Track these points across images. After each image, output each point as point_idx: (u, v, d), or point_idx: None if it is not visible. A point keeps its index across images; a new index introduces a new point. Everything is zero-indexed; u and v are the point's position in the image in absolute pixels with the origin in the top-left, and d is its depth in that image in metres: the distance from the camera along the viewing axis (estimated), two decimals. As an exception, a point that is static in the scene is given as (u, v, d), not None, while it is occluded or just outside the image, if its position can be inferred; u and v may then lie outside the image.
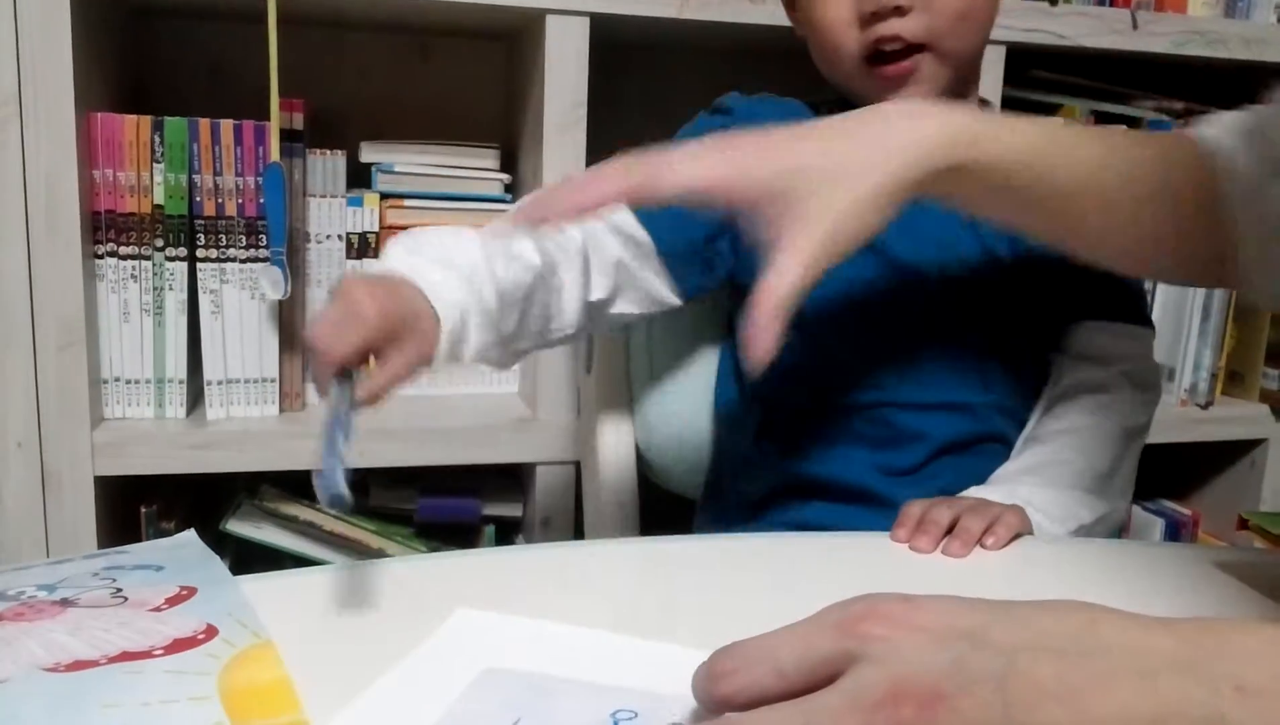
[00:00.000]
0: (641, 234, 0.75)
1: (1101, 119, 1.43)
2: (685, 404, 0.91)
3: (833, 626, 0.36)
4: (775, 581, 0.57)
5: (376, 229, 1.20)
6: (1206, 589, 0.57)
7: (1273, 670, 0.33)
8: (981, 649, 0.34)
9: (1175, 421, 1.44)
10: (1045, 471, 0.76)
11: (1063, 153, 0.61)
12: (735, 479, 0.86)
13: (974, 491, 0.73)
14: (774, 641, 0.37)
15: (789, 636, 0.37)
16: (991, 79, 1.28)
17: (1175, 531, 1.55)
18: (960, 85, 0.80)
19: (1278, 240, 0.61)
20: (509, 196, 1.28)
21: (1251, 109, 0.65)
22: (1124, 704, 0.33)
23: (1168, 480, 1.61)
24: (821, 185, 0.54)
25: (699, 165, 0.55)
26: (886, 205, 0.56)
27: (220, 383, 1.15)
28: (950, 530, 0.63)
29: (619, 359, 0.94)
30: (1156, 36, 1.34)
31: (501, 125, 1.37)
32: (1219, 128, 0.65)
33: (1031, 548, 0.63)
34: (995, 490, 0.73)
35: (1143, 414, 0.83)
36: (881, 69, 0.76)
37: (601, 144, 1.20)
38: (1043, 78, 1.41)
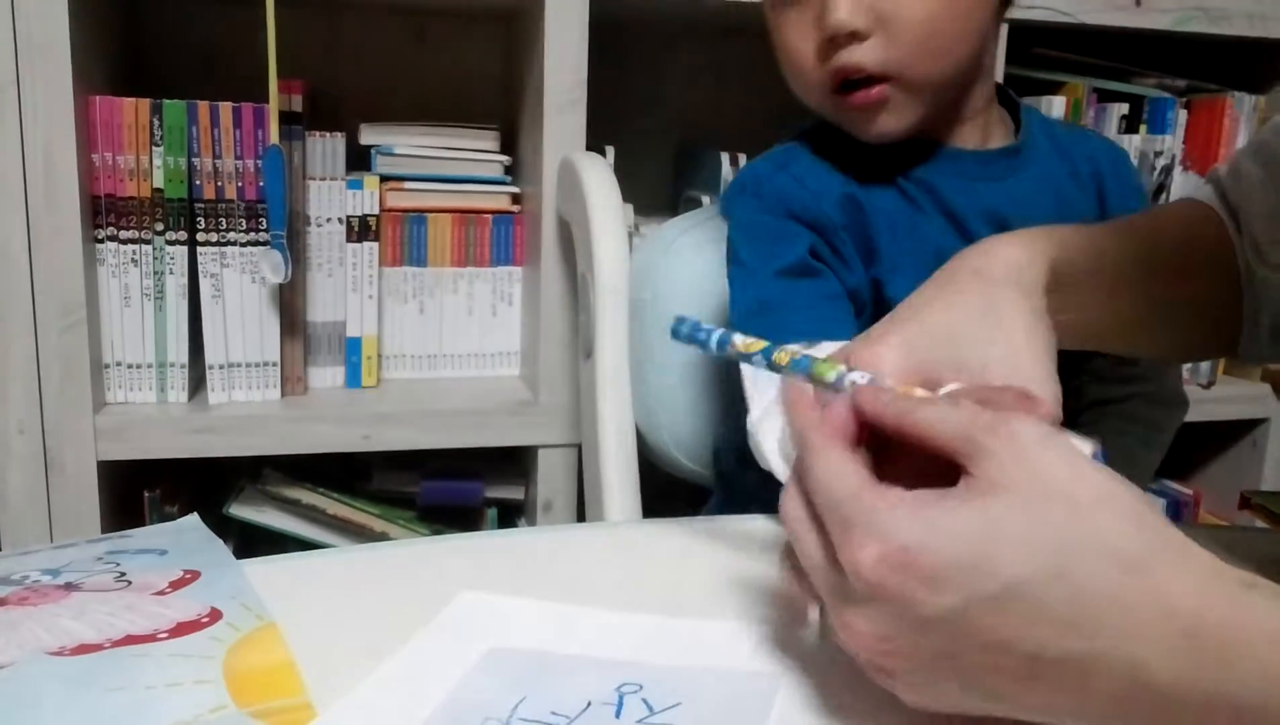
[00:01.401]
0: None
1: (1104, 96, 1.42)
2: (687, 386, 0.91)
3: (858, 544, 0.36)
4: (776, 560, 0.57)
5: (377, 211, 1.20)
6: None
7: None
8: (957, 632, 0.35)
9: (1177, 401, 1.44)
10: None
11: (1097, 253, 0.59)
12: (742, 465, 0.86)
13: None
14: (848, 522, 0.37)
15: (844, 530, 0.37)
16: (993, 56, 1.27)
17: (1177, 511, 1.56)
18: (948, 105, 0.76)
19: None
20: (509, 178, 1.27)
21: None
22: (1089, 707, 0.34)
23: (1169, 460, 1.60)
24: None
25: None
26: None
27: (222, 367, 1.15)
28: None
29: (619, 341, 0.94)
30: (1159, 13, 1.33)
31: (501, 106, 1.36)
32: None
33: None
34: None
35: (1166, 423, 0.85)
36: (849, 99, 0.72)
37: (601, 124, 1.20)
38: (1045, 55, 1.40)
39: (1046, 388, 0.45)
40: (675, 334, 0.49)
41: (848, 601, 0.37)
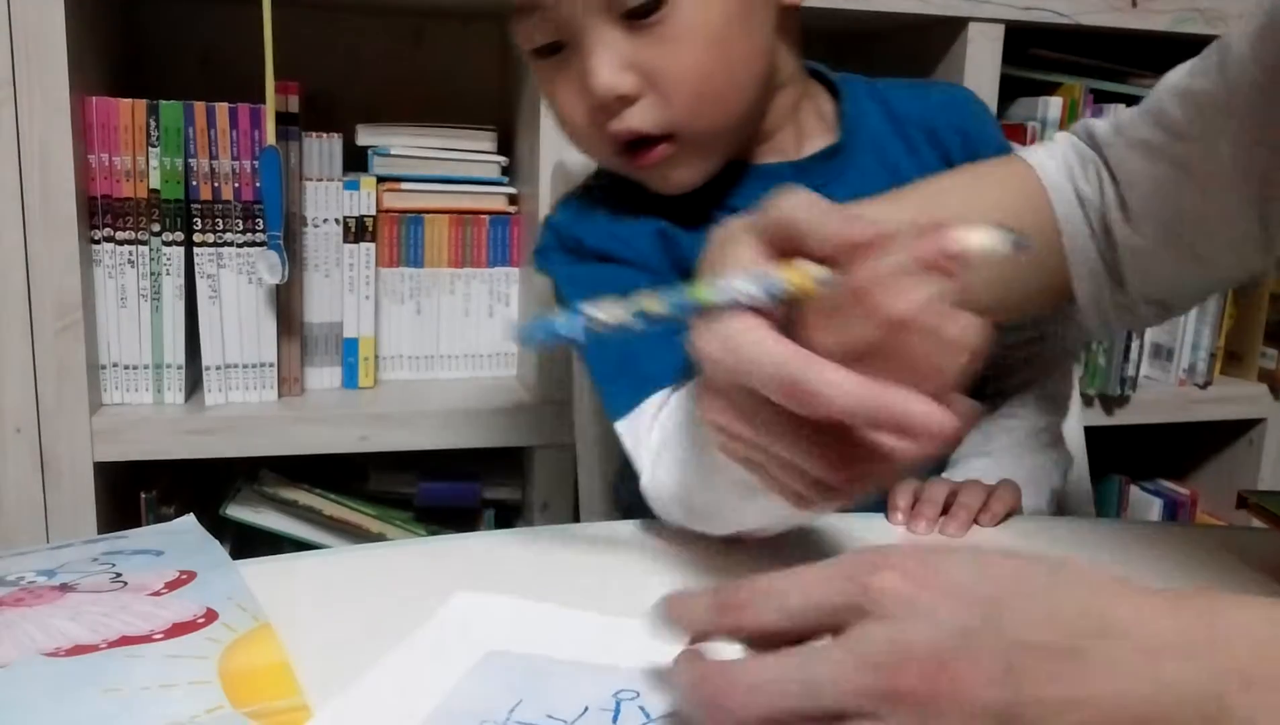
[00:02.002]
0: None
1: (1101, 97, 1.42)
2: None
3: (845, 578, 0.36)
4: (773, 562, 0.57)
5: (373, 212, 1.20)
6: (1205, 569, 0.57)
7: (1278, 654, 0.33)
8: (990, 622, 0.34)
9: (1174, 401, 1.44)
10: (999, 439, 0.75)
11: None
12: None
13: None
14: (785, 584, 0.37)
15: (800, 580, 0.36)
16: (991, 57, 1.28)
17: (1173, 511, 1.56)
18: (744, 140, 0.69)
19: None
20: (505, 179, 1.27)
21: (1072, 139, 0.65)
22: (1126, 687, 0.33)
23: (1166, 460, 1.61)
24: None
25: None
26: None
27: (218, 368, 1.15)
28: (945, 509, 0.63)
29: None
30: (1156, 14, 1.33)
31: (497, 107, 1.36)
32: (1051, 158, 0.65)
33: (1029, 527, 0.63)
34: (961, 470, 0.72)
35: (1064, 385, 0.81)
36: (635, 159, 0.65)
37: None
38: (1042, 56, 1.40)
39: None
40: (526, 341, 0.45)
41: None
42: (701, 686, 0.35)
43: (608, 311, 0.43)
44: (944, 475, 0.72)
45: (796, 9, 0.67)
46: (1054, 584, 0.36)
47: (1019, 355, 0.79)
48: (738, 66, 0.63)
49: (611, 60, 0.60)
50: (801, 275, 0.41)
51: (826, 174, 0.70)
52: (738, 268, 0.42)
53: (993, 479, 0.66)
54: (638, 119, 0.62)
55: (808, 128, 0.72)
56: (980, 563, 0.36)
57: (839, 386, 0.39)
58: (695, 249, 0.65)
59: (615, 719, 0.38)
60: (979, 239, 0.39)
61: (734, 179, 0.69)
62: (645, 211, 0.69)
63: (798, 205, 0.43)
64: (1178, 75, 0.60)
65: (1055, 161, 0.64)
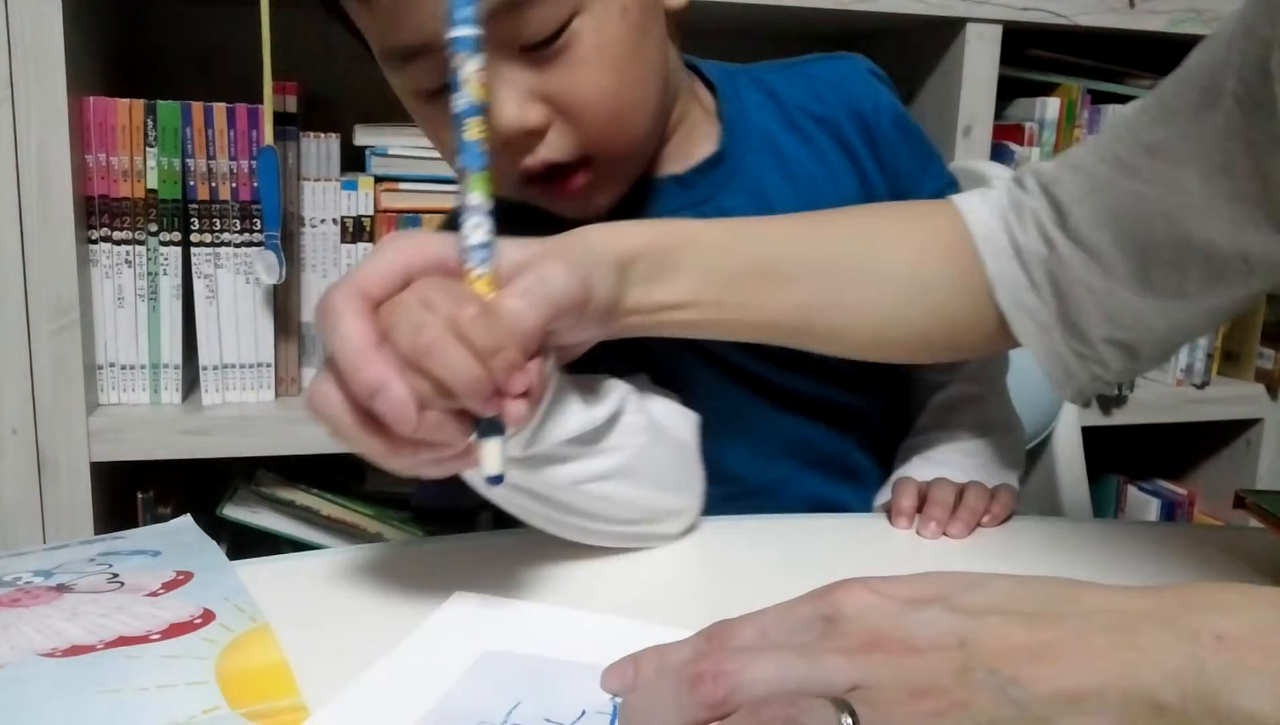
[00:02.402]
0: None
1: (1099, 98, 1.42)
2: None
3: (815, 598, 0.38)
4: (773, 562, 0.57)
5: (371, 212, 1.20)
6: (1202, 569, 0.57)
7: (1253, 621, 0.33)
8: (951, 612, 0.35)
9: (1171, 401, 1.44)
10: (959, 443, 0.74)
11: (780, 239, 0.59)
12: None
13: (903, 472, 0.72)
14: (760, 612, 0.39)
15: (774, 608, 0.39)
16: (988, 58, 1.28)
17: (1171, 511, 1.56)
18: (652, 153, 0.67)
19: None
20: (504, 179, 1.27)
21: (1009, 186, 0.64)
22: (1098, 656, 0.33)
23: (1163, 460, 1.61)
24: None
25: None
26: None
27: (216, 368, 1.15)
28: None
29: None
30: (1154, 15, 1.34)
31: (496, 107, 1.36)
32: (982, 205, 0.63)
33: (1026, 528, 0.63)
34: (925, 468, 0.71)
35: (996, 376, 0.79)
36: (548, 190, 0.62)
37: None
38: (1039, 56, 1.40)
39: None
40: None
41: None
42: (697, 664, 0.36)
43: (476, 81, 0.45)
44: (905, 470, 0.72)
45: (684, 9, 0.65)
46: (1015, 579, 0.37)
47: (966, 390, 0.77)
48: (642, 81, 0.61)
49: (515, 96, 0.57)
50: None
51: (710, 185, 0.67)
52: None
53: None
54: (550, 150, 0.59)
55: (696, 134, 0.69)
56: (938, 573, 0.38)
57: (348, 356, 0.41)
58: None
59: (612, 722, 0.38)
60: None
61: (629, 196, 0.66)
62: (533, 233, 0.68)
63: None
64: (1143, 99, 0.59)
65: (989, 208, 0.63)
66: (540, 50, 0.56)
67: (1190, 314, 0.58)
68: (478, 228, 0.44)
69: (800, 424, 0.70)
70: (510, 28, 0.54)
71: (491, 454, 0.43)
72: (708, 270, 0.56)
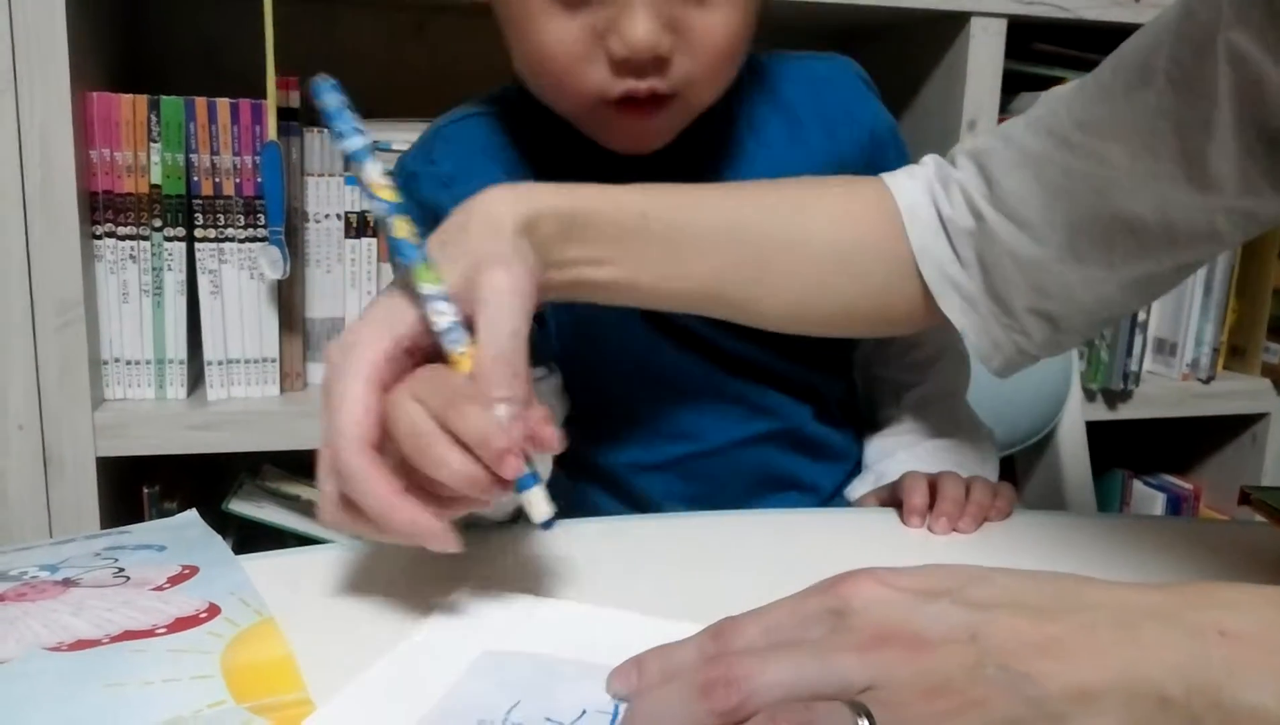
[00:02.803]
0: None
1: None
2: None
3: (819, 590, 0.38)
4: (777, 556, 0.57)
5: (375, 208, 1.20)
6: (1207, 564, 0.57)
7: (1256, 616, 0.34)
8: (960, 605, 0.35)
9: (1177, 396, 1.44)
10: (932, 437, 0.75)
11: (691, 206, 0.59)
12: None
13: (878, 463, 0.73)
14: (766, 607, 0.39)
15: (780, 602, 0.39)
16: (993, 52, 1.27)
17: (1177, 506, 1.56)
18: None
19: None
20: (508, 174, 1.27)
21: (933, 159, 0.64)
22: (1104, 650, 0.33)
23: (1169, 455, 1.61)
24: None
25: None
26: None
27: (220, 363, 1.15)
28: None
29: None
30: (1158, 8, 1.33)
31: (499, 102, 1.36)
32: (909, 179, 0.64)
33: (1030, 523, 0.63)
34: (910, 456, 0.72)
35: (961, 382, 0.79)
36: (625, 114, 0.61)
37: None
38: (1044, 51, 1.40)
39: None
40: (316, 93, 0.47)
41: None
42: (706, 670, 0.35)
43: (376, 183, 0.46)
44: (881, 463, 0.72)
45: None
46: (1023, 573, 0.37)
47: (912, 377, 0.77)
48: (749, 36, 0.63)
49: (653, 18, 0.57)
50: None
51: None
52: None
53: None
54: (660, 79, 0.59)
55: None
56: (946, 566, 0.38)
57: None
58: None
59: (613, 722, 0.38)
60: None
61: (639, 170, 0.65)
62: (515, 166, 0.67)
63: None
64: (1082, 78, 0.59)
65: (916, 183, 0.63)
66: None
67: (1116, 286, 0.59)
68: (441, 315, 0.46)
69: (751, 389, 0.71)
70: None
71: (536, 503, 0.44)
72: (621, 231, 0.55)
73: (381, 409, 0.45)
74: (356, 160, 0.46)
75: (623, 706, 0.39)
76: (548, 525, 0.44)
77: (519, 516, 0.56)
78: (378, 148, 1.20)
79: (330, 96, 0.47)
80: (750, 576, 0.53)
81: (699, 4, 0.59)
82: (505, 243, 0.49)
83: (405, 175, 0.71)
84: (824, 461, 0.74)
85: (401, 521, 0.43)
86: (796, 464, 0.72)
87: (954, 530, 0.61)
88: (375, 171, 0.46)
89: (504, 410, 0.43)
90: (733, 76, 0.64)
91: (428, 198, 0.66)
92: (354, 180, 0.43)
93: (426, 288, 0.46)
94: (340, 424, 0.44)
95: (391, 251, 0.47)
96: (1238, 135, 0.52)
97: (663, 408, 0.69)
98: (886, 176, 0.64)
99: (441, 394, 0.44)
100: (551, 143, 0.66)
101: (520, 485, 0.44)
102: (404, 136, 1.22)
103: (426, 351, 0.47)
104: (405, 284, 0.48)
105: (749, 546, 0.58)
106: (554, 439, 0.44)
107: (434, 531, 0.43)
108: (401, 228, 0.46)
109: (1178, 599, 0.35)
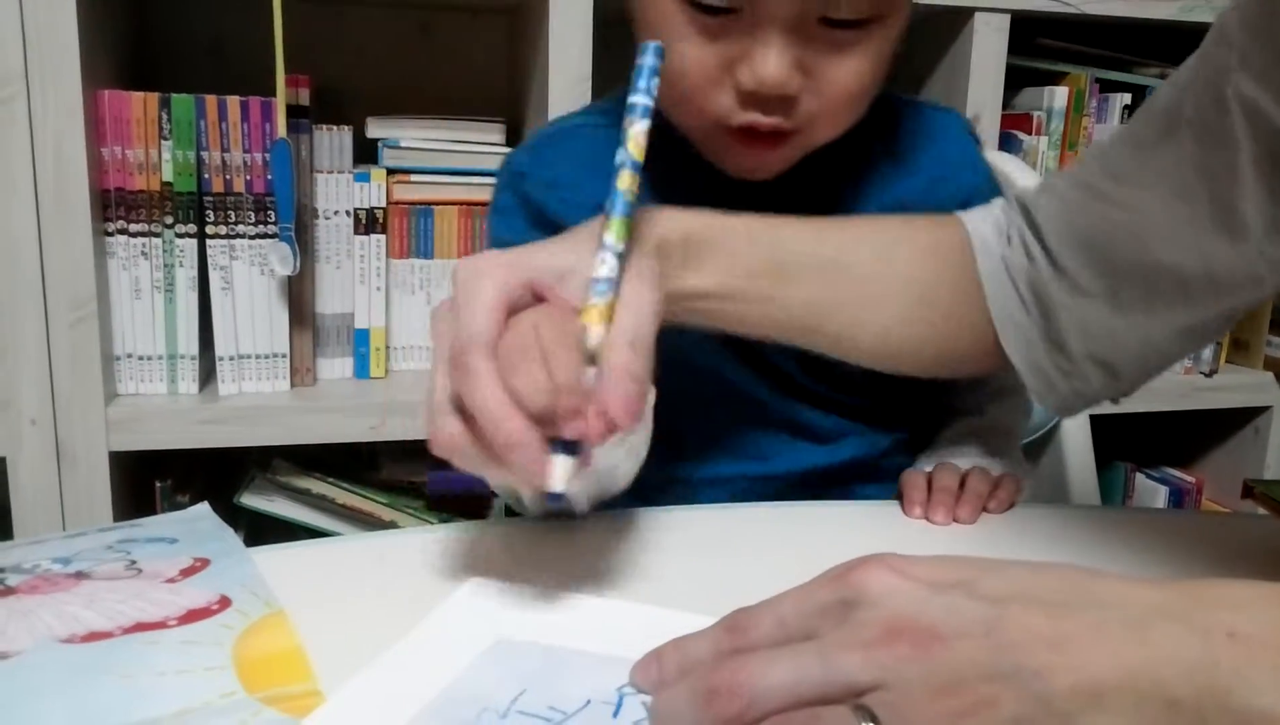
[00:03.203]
0: None
1: (1107, 86, 1.42)
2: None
3: (831, 579, 0.38)
4: (786, 549, 0.57)
5: (384, 204, 1.21)
6: (1210, 557, 0.58)
7: (1265, 618, 0.33)
8: (973, 598, 0.35)
9: (1179, 389, 1.44)
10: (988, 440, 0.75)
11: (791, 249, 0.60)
12: None
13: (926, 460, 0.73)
14: (779, 597, 0.39)
15: (792, 592, 0.38)
16: (996, 47, 1.27)
17: (1179, 499, 1.56)
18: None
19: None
20: (515, 170, 1.28)
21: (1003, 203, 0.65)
22: (1115, 650, 0.33)
23: (1172, 448, 1.61)
24: None
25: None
26: None
27: (232, 358, 1.16)
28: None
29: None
30: (1162, 3, 1.33)
31: (506, 99, 1.37)
32: (981, 218, 0.64)
33: (1033, 514, 0.64)
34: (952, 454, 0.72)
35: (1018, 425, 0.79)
36: (746, 143, 0.62)
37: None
38: (1048, 45, 1.40)
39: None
40: (643, 50, 0.51)
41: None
42: (711, 675, 0.35)
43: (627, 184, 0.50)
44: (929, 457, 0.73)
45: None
46: (1035, 566, 0.37)
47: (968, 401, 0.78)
48: (879, 80, 0.63)
49: (788, 58, 0.57)
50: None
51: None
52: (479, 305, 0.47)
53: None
54: (785, 117, 0.60)
55: None
56: (959, 556, 0.38)
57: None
58: None
59: (616, 713, 0.38)
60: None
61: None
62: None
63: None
64: (1118, 128, 0.60)
65: (986, 226, 0.64)
66: (834, 29, 0.58)
67: (1162, 333, 0.59)
68: (604, 265, 0.48)
69: (821, 417, 0.72)
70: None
71: (557, 471, 0.45)
72: (732, 260, 0.57)
73: (504, 326, 0.46)
74: (632, 113, 0.50)
75: (627, 697, 0.39)
76: (554, 498, 0.45)
77: (548, 514, 0.57)
78: (386, 145, 1.21)
79: (652, 59, 0.50)
80: (763, 567, 0.54)
81: (835, 50, 0.59)
82: (643, 262, 0.51)
83: (513, 173, 0.73)
84: (889, 488, 0.73)
85: (511, 427, 0.43)
86: (864, 493, 0.72)
87: (954, 520, 0.61)
88: (642, 129, 0.49)
89: (628, 384, 0.44)
90: (857, 119, 0.64)
91: (534, 197, 0.70)
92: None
93: (609, 238, 0.48)
94: (471, 325, 0.45)
95: (610, 200, 0.49)
96: (1259, 179, 0.52)
97: (734, 427, 0.71)
98: (963, 215, 0.65)
99: (554, 331, 0.45)
100: (660, 159, 0.63)
101: (556, 448, 0.44)
102: (413, 135, 1.23)
103: (551, 300, 0.49)
104: (554, 242, 0.50)
105: (761, 539, 0.58)
106: (601, 434, 0.44)
107: (534, 444, 0.43)
108: (626, 180, 0.49)
109: (1187, 598, 0.35)
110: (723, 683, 0.35)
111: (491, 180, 1.25)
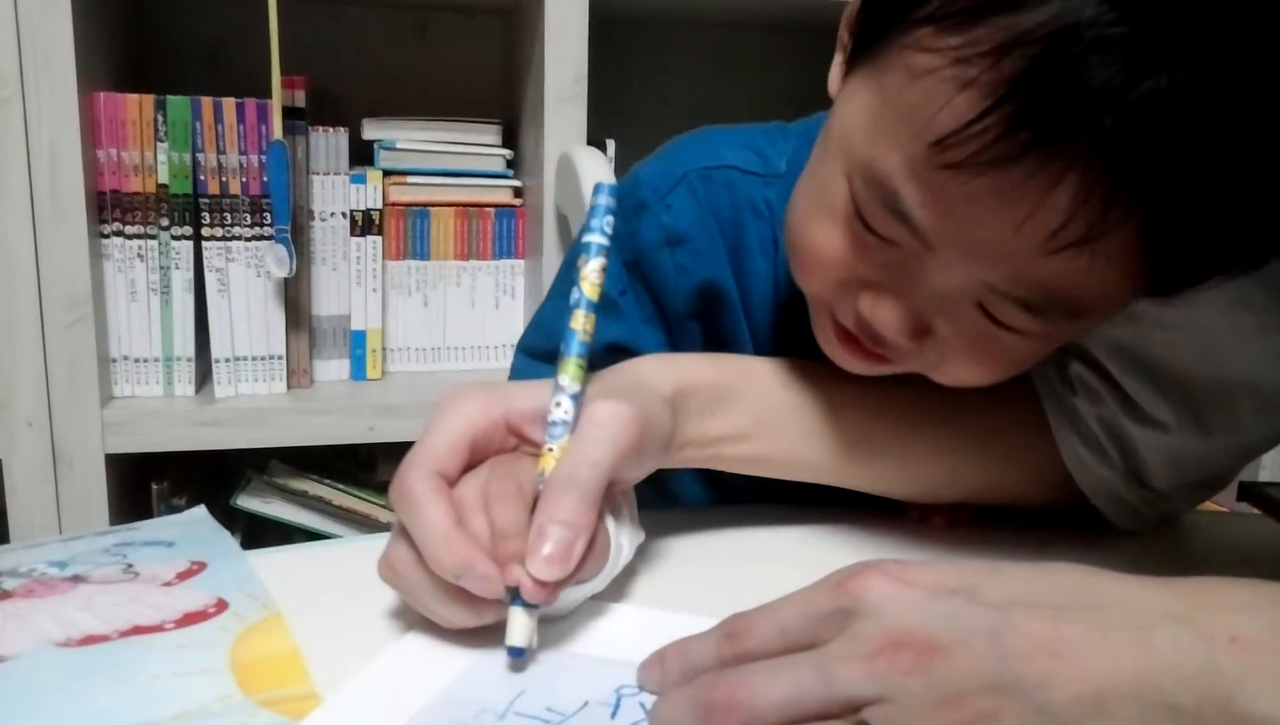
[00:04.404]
0: None
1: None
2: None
3: (830, 587, 0.37)
4: (784, 550, 0.57)
5: (380, 206, 1.21)
6: (1206, 557, 0.58)
7: (1268, 622, 0.33)
8: (974, 604, 0.35)
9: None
10: None
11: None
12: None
13: None
14: (778, 603, 0.38)
15: (792, 598, 0.38)
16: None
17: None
18: None
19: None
20: (510, 172, 1.28)
21: None
22: (1118, 657, 0.33)
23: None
24: None
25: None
26: None
27: (228, 360, 1.16)
28: None
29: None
30: None
31: (501, 100, 1.36)
32: None
33: (1026, 515, 0.63)
34: None
35: None
36: (844, 342, 0.52)
37: (604, 117, 1.20)
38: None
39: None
40: (597, 191, 0.48)
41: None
42: (709, 689, 0.35)
43: (592, 279, 0.48)
44: None
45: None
46: (1034, 569, 0.37)
47: None
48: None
49: (914, 323, 0.48)
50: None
51: None
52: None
53: None
54: (893, 361, 0.51)
55: None
56: (958, 562, 0.38)
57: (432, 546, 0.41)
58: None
59: (614, 714, 0.38)
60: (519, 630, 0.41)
61: None
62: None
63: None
64: None
65: (1049, 370, 0.60)
66: (986, 319, 0.47)
67: (1256, 441, 0.57)
68: (559, 408, 0.46)
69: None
70: (994, 299, 0.45)
71: (515, 626, 0.42)
72: (764, 404, 0.55)
73: (464, 459, 0.44)
74: (587, 252, 0.47)
75: (625, 699, 0.39)
76: (514, 653, 0.42)
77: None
78: (381, 146, 1.21)
79: (606, 199, 0.48)
80: (761, 568, 0.53)
81: (976, 341, 0.48)
82: (638, 393, 0.48)
83: (634, 204, 0.63)
84: None
85: (452, 556, 0.40)
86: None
87: (953, 525, 0.61)
88: (596, 267, 0.47)
89: (555, 531, 0.41)
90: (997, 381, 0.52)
91: (642, 242, 0.62)
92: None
93: (564, 381, 0.46)
94: (416, 452, 0.44)
95: (564, 340, 0.47)
96: None
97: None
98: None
99: (504, 477, 0.44)
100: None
101: (516, 601, 0.42)
102: (409, 136, 1.23)
103: (526, 438, 0.47)
104: (544, 382, 0.47)
105: (759, 540, 0.58)
106: (540, 595, 0.41)
107: (484, 573, 0.40)
108: (580, 321, 0.47)
109: (1191, 600, 0.35)
110: (721, 698, 0.35)
111: (487, 181, 1.27)
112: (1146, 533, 0.60)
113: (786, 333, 0.57)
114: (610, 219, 0.48)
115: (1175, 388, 0.55)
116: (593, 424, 0.45)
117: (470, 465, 0.45)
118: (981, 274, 0.44)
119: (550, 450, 0.45)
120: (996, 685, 0.33)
